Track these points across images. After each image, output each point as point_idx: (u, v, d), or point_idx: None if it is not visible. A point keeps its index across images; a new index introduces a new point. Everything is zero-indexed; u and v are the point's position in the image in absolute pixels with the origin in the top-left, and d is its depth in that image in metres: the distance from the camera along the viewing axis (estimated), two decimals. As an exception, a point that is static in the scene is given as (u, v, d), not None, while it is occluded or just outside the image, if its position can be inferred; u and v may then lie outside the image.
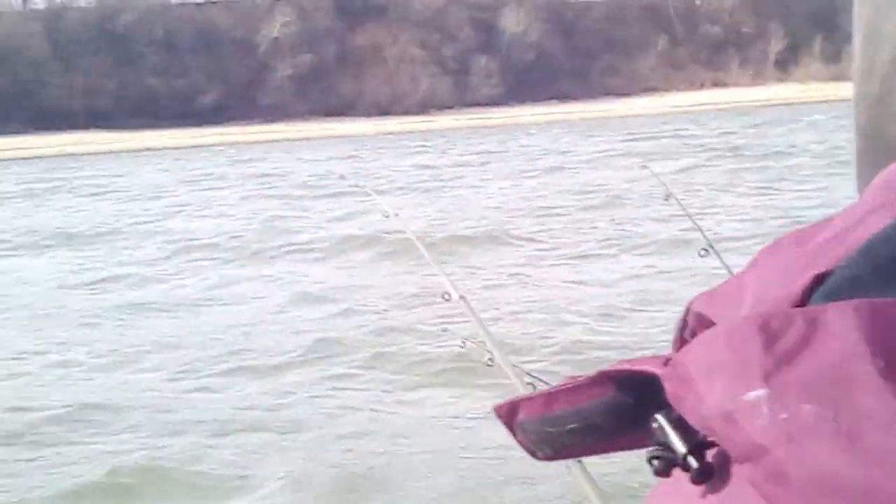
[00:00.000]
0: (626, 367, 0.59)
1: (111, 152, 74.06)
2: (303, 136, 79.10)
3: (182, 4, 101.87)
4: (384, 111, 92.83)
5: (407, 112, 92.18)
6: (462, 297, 4.52)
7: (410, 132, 76.77)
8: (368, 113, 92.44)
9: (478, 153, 46.03)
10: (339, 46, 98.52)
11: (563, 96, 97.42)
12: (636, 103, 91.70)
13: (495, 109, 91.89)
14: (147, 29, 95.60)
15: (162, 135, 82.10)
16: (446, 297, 4.55)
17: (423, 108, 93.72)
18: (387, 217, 5.63)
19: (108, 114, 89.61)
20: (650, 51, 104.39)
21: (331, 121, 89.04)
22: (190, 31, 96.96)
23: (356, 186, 7.24)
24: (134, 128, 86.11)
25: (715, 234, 11.70)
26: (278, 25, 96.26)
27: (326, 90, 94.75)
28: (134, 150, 73.97)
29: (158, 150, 73.76)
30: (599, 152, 40.16)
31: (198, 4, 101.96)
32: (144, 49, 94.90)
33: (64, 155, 72.41)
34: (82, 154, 72.91)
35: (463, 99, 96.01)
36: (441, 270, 4.89)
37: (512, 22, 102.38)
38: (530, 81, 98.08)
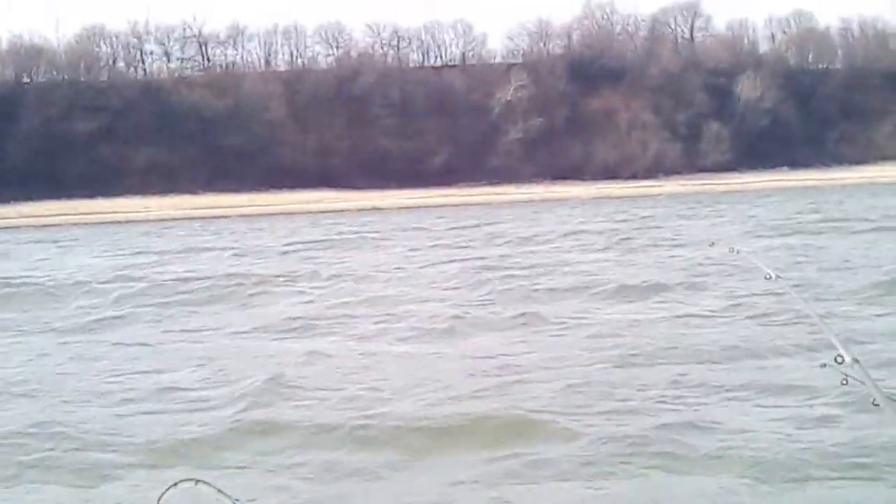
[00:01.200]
0: None
1: (342, 210, 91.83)
2: (528, 199, 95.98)
3: (419, 68, 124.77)
4: (612, 175, 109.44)
5: (634, 176, 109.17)
6: (856, 361, 5.70)
7: (635, 196, 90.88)
8: (595, 177, 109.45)
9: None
10: (570, 110, 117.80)
11: (796, 163, 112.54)
12: (870, 171, 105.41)
13: (724, 175, 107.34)
14: (383, 91, 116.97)
15: (391, 195, 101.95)
16: (838, 359, 5.75)
17: (651, 172, 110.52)
18: (768, 279, 7.74)
19: (341, 173, 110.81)
20: (888, 119, 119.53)
21: (558, 184, 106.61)
22: (425, 94, 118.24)
23: (733, 252, 9.35)
24: (364, 187, 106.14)
25: None
26: (512, 89, 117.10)
27: (555, 153, 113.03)
28: (363, 210, 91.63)
29: (384, 209, 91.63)
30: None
31: (435, 68, 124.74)
32: (379, 111, 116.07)
33: (297, 213, 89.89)
34: (317, 212, 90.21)
35: (692, 164, 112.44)
36: (832, 333, 6.21)
37: (747, 88, 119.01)
38: (762, 148, 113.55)
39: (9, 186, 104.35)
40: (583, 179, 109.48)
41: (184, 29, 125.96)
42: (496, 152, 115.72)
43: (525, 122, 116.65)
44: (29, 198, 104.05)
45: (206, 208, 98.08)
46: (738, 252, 9.82)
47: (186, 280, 30.93)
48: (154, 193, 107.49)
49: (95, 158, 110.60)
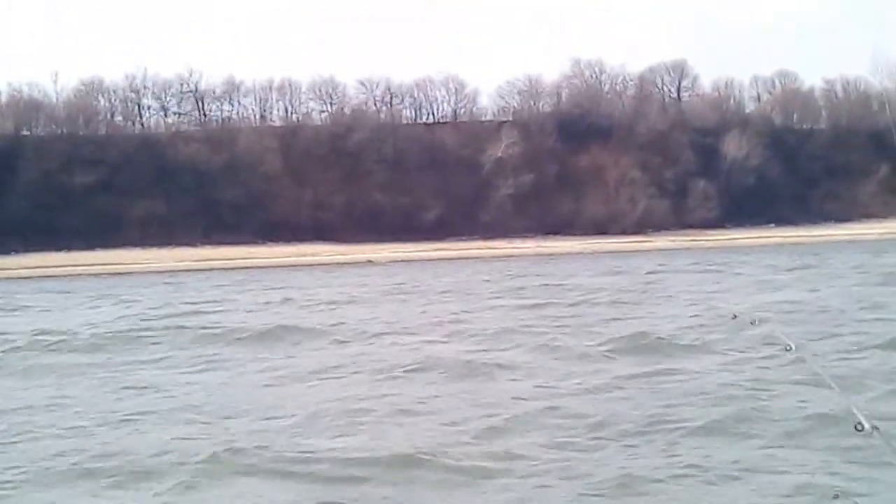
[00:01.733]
0: None
1: (335, 264, 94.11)
2: (520, 253, 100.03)
3: (412, 124, 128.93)
4: (601, 230, 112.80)
5: (623, 231, 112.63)
6: (875, 428, 5.89)
7: (626, 252, 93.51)
8: (585, 231, 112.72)
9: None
10: (560, 167, 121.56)
11: (781, 220, 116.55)
12: (855, 229, 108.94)
13: (711, 232, 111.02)
14: (376, 147, 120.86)
15: (385, 248, 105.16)
16: (858, 427, 5.96)
17: (640, 227, 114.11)
18: (788, 350, 7.97)
19: (335, 227, 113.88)
20: (871, 177, 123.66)
21: (549, 239, 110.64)
22: (417, 150, 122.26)
23: (753, 324, 11.15)
24: (358, 241, 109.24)
25: None
26: (503, 146, 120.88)
27: (546, 209, 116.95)
28: (356, 263, 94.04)
29: (383, 264, 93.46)
30: None
31: (427, 124, 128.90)
32: (373, 166, 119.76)
33: (290, 266, 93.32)
34: (310, 265, 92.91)
35: (680, 220, 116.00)
36: (851, 402, 6.47)
37: (734, 146, 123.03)
38: (748, 205, 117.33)
39: (8, 237, 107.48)
40: (573, 234, 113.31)
41: (181, 84, 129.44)
42: (488, 207, 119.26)
43: (516, 178, 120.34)
44: (28, 249, 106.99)
45: (205, 260, 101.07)
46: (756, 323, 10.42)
47: (242, 329, 30.66)
48: (152, 245, 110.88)
49: (94, 211, 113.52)
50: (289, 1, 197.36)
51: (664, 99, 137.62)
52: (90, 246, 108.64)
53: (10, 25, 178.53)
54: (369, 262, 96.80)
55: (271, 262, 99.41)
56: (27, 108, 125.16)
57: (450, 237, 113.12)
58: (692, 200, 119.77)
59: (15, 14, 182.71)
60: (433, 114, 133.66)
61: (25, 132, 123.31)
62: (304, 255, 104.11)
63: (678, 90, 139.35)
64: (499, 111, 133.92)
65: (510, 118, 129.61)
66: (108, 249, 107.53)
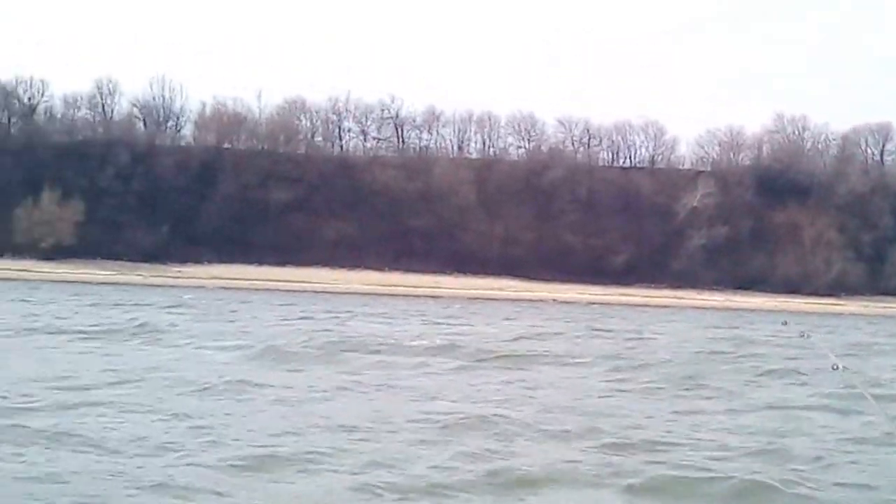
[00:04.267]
0: None
1: (520, 300, 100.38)
2: (709, 306, 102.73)
3: (608, 167, 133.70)
4: (793, 289, 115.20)
5: (815, 292, 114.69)
6: None
7: (816, 313, 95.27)
8: (776, 289, 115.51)
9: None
10: (755, 221, 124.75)
11: None
12: None
13: None
14: (571, 187, 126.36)
15: (571, 288, 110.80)
16: None
17: (833, 289, 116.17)
18: (835, 369, 10.10)
19: (523, 263, 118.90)
20: None
21: (739, 293, 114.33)
22: (611, 193, 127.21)
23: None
24: (545, 279, 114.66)
25: None
26: (699, 196, 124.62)
27: (737, 263, 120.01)
28: (540, 301, 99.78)
29: (569, 302, 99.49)
30: None
31: (623, 168, 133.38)
32: (565, 205, 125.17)
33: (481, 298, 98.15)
34: (493, 300, 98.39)
35: (874, 286, 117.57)
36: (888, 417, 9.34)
37: None
38: None
39: (202, 247, 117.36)
40: (764, 291, 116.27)
41: (382, 110, 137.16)
42: (678, 256, 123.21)
43: (709, 230, 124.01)
44: (220, 260, 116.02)
45: (392, 286, 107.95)
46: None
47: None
48: (341, 267, 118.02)
49: (287, 228, 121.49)
50: (492, 37, 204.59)
51: (867, 161, 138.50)
52: (281, 262, 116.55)
53: (217, 41, 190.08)
54: (553, 301, 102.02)
55: (457, 292, 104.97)
56: (230, 122, 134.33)
57: (637, 283, 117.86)
58: (889, 267, 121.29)
59: (223, 30, 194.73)
60: (630, 158, 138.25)
61: (227, 146, 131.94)
62: (490, 289, 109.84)
63: (881, 153, 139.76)
64: (697, 160, 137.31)
65: (708, 168, 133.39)
66: (298, 267, 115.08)
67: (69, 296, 69.03)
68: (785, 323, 33.45)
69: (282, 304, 69.51)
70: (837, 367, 13.56)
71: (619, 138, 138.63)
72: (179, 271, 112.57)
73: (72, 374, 24.24)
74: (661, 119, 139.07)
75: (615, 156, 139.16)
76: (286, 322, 49.75)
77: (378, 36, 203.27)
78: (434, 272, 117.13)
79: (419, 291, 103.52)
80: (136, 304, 60.09)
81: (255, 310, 61.61)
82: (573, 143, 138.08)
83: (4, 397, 19.90)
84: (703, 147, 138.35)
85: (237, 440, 16.62)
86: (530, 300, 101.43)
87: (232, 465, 14.71)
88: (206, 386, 22.72)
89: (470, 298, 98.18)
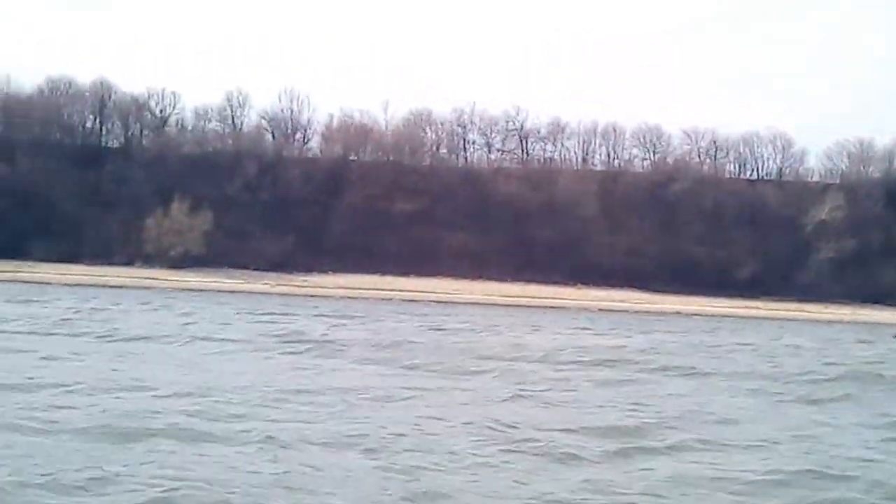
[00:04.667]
0: None
1: (646, 312, 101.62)
2: (836, 319, 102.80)
3: (734, 179, 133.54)
4: None
5: None
6: None
7: None
8: None
9: None
10: (886, 235, 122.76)
11: None
12: None
13: None
14: (696, 199, 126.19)
15: (695, 301, 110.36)
16: None
17: None
18: None
19: (646, 275, 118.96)
20: None
21: (867, 307, 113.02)
22: (737, 205, 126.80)
23: None
24: (668, 291, 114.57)
25: None
26: (827, 209, 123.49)
27: (867, 277, 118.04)
28: (669, 314, 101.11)
29: (689, 315, 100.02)
30: None
31: (749, 181, 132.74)
32: (690, 217, 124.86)
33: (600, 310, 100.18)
34: (615, 311, 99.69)
35: None
36: None
37: None
38: None
39: (326, 257, 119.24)
40: (894, 305, 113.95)
41: (506, 122, 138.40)
42: (805, 269, 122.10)
43: (838, 243, 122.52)
44: (344, 270, 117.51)
45: (515, 297, 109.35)
46: None
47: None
48: (463, 277, 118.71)
49: (410, 238, 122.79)
50: (613, 48, 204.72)
51: None
52: (404, 272, 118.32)
53: (345, 54, 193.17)
54: (677, 313, 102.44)
55: (580, 304, 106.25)
56: (357, 133, 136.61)
57: (762, 296, 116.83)
58: None
59: (349, 43, 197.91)
60: (757, 170, 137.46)
61: (353, 157, 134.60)
62: (612, 301, 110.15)
63: None
64: (826, 173, 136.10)
65: (837, 181, 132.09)
66: (420, 277, 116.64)
67: (212, 304, 72.53)
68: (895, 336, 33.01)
69: (423, 314, 72.02)
70: None
71: (747, 150, 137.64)
72: (305, 280, 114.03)
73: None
74: (789, 130, 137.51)
75: (741, 168, 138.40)
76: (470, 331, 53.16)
77: (501, 48, 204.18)
78: (556, 283, 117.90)
79: (540, 303, 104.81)
80: (285, 314, 62.86)
81: (401, 319, 64.33)
82: (699, 155, 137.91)
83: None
84: (831, 159, 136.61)
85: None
86: (653, 312, 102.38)
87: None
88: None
89: (594, 310, 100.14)
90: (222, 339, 40.04)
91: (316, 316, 62.02)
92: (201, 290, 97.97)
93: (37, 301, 63.11)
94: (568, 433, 20.70)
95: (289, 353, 36.84)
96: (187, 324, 48.58)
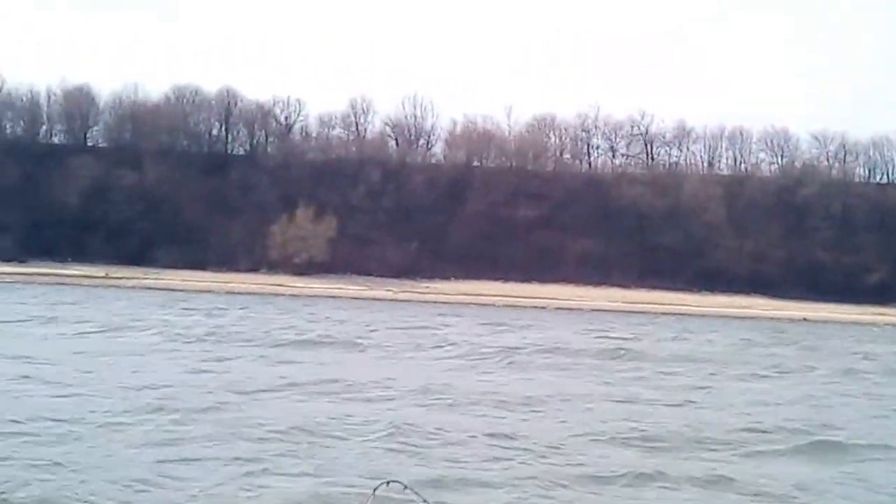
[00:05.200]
0: None
1: (772, 318, 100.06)
2: None
3: (864, 183, 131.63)
4: None
5: None
6: None
7: None
8: None
9: None
10: None
11: None
12: None
13: None
14: (825, 203, 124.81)
15: (821, 308, 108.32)
16: None
17: None
18: None
19: (772, 281, 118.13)
20: None
21: None
22: (866, 210, 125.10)
23: None
24: (795, 297, 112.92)
25: None
26: None
27: None
28: (791, 320, 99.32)
29: (816, 321, 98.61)
30: None
31: (880, 185, 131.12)
32: (818, 222, 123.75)
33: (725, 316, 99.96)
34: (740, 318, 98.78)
35: None
36: None
37: None
38: None
39: (448, 264, 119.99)
40: None
41: (631, 126, 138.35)
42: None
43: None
44: (467, 276, 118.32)
45: (636, 303, 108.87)
46: None
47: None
48: (586, 283, 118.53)
49: (533, 244, 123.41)
50: (741, 50, 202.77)
51: None
52: (526, 278, 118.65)
53: (467, 61, 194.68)
54: (804, 319, 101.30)
55: (703, 310, 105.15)
56: (480, 139, 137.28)
57: (892, 302, 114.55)
58: None
59: (473, 50, 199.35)
60: (887, 174, 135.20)
61: (476, 163, 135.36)
62: (737, 307, 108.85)
63: None
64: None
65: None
66: (543, 283, 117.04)
67: (363, 313, 75.10)
68: None
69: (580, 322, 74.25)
70: None
71: (877, 154, 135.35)
72: (427, 287, 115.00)
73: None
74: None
75: (871, 172, 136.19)
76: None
77: (625, 52, 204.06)
78: (680, 290, 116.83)
79: (663, 309, 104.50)
80: (444, 325, 65.11)
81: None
82: (828, 159, 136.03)
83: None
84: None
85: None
86: (777, 318, 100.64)
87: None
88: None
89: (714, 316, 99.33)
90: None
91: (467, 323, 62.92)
92: (325, 297, 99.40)
93: (196, 310, 67.36)
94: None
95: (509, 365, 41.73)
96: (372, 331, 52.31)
